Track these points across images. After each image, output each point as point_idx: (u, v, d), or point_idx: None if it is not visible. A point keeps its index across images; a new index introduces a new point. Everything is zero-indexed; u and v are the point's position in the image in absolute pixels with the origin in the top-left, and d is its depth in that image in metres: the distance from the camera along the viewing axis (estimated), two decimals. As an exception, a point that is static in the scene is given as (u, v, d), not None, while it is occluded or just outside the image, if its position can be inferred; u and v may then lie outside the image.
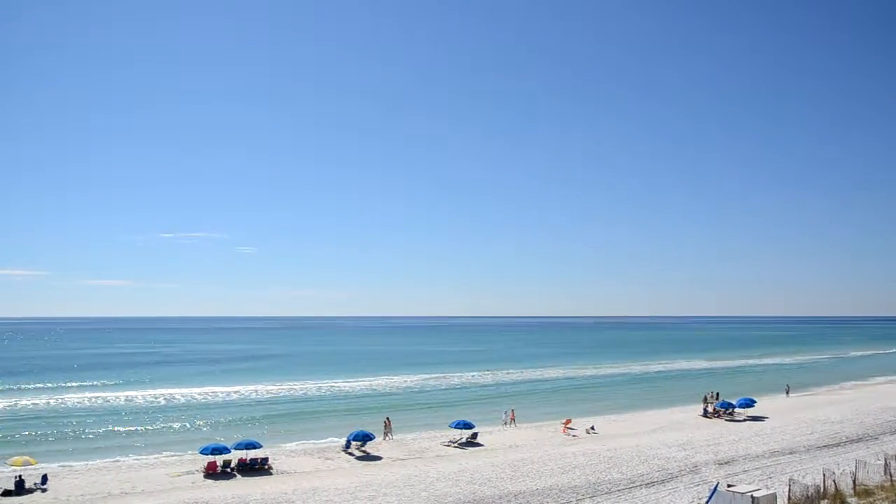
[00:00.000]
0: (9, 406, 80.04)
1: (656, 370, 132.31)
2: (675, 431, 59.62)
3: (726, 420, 66.46)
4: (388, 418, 59.82)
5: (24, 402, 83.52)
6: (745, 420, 65.97)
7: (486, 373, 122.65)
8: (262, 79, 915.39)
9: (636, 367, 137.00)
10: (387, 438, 56.85)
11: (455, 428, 55.67)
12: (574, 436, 58.75)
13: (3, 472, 43.64)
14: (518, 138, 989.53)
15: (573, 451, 50.55)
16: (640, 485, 40.05)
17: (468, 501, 36.60)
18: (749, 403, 68.27)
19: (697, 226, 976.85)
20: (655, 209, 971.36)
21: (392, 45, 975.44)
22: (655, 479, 41.25)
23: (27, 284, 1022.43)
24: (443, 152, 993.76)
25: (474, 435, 56.40)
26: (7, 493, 39.21)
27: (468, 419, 57.76)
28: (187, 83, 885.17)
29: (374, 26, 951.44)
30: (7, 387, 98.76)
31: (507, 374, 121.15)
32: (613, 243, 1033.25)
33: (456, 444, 54.51)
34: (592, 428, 61.10)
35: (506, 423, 64.92)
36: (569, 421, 63.70)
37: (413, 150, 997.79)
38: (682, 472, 42.99)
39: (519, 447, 53.32)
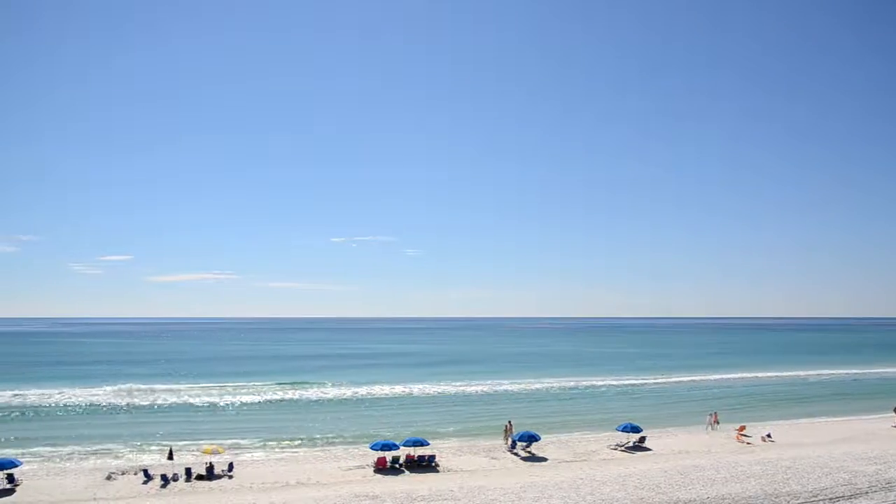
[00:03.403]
0: (200, 400, 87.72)
1: (848, 374, 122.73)
2: (864, 443, 55.14)
3: (925, 432, 60.64)
4: (510, 422, 57.80)
5: (211, 398, 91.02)
6: (948, 433, 59.90)
7: (657, 377, 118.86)
8: (418, 78, 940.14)
9: (814, 372, 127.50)
10: (507, 443, 55.07)
11: (622, 431, 54.62)
12: (748, 443, 56.03)
13: (196, 459, 48.41)
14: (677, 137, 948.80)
15: (747, 459, 48.14)
16: (823, 499, 37.47)
17: (635, 507, 35.93)
18: (953, 414, 61.78)
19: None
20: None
21: (562, 44, 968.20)
22: (841, 495, 38.41)
23: (216, 287, 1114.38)
24: (600, 154, 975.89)
25: (642, 439, 55.15)
26: (200, 478, 43.62)
27: (636, 423, 56.53)
28: (355, 94, 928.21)
29: (549, 26, 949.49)
30: (197, 383, 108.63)
31: (678, 379, 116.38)
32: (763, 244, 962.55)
33: (623, 448, 53.60)
34: (769, 436, 57.88)
35: (709, 426, 63.17)
36: (743, 427, 60.75)
37: (572, 150, 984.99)
38: (873, 489, 39.71)
39: (689, 453, 51.56)
